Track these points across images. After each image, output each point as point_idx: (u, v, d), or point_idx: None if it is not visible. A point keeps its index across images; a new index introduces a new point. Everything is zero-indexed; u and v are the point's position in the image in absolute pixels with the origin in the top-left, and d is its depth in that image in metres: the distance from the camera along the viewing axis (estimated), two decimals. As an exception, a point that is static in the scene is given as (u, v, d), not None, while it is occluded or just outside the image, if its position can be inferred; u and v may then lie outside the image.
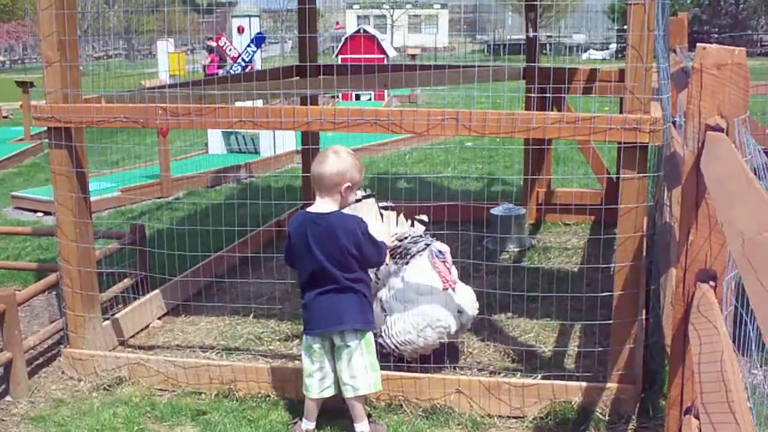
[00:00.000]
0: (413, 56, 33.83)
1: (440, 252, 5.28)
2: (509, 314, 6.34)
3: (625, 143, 4.51)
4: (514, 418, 4.99)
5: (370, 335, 4.66)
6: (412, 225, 6.11)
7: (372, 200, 6.15)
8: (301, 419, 4.82)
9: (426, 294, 5.22)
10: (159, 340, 6.22)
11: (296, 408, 5.06)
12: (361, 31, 22.17)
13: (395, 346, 5.30)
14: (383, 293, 5.51)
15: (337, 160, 4.40)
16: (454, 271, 5.34)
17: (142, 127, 5.34)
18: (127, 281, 6.68)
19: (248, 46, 12.84)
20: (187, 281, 6.77)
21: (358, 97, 22.52)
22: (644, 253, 5.05)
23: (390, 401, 5.09)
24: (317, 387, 4.69)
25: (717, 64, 3.37)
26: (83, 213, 5.52)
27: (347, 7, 66.88)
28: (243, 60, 12.59)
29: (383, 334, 5.35)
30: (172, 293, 6.66)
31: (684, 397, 3.76)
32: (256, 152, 14.30)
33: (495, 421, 4.97)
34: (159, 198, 11.18)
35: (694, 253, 3.51)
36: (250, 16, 13.86)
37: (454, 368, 5.52)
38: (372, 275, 5.37)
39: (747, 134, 3.09)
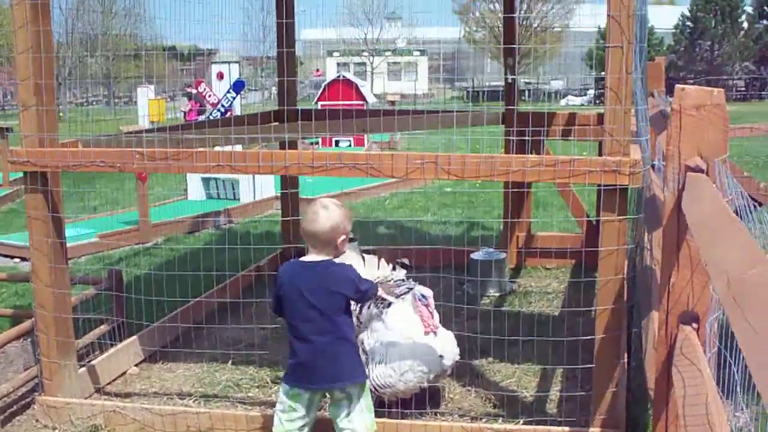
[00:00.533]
0: (393, 102, 33.94)
1: (423, 296, 5.24)
2: (490, 359, 6.28)
3: (604, 186, 4.50)
4: (496, 464, 4.93)
5: (367, 381, 4.58)
6: (394, 269, 6.09)
7: (354, 244, 6.14)
8: None
9: (407, 338, 5.17)
10: (136, 387, 6.12)
11: (275, 457, 4.97)
12: (341, 77, 22.24)
13: (375, 388, 5.22)
14: (364, 336, 5.46)
15: (328, 215, 4.30)
16: (436, 316, 5.30)
17: (119, 171, 5.29)
18: (103, 327, 6.59)
19: (228, 92, 12.84)
20: (164, 327, 6.69)
21: (337, 143, 22.56)
22: (625, 297, 5.02)
23: (372, 448, 5.01)
24: None
25: (696, 104, 3.37)
26: (59, 258, 5.45)
27: (327, 55, 67.23)
28: (222, 106, 12.58)
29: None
30: (149, 339, 6.58)
31: (668, 441, 3.71)
32: (236, 198, 14.25)
33: (477, 468, 4.90)
34: (137, 244, 11.09)
35: (676, 295, 3.48)
36: (229, 63, 13.88)
37: (435, 414, 5.46)
38: (354, 318, 5.33)
39: (728, 175, 3.08)
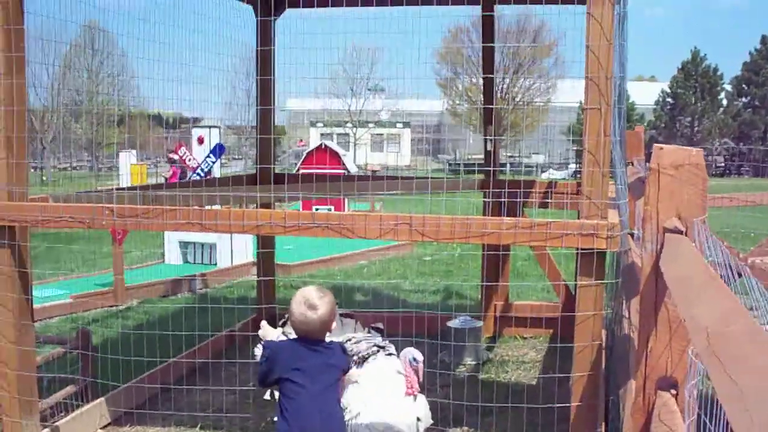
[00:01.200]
0: (374, 172, 34.07)
1: (415, 359, 5.17)
2: (465, 428, 6.13)
3: (581, 249, 4.42)
4: None
5: None
6: (369, 332, 6.00)
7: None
8: None
9: (387, 397, 5.07)
10: (101, 450, 5.94)
11: None
12: (323, 145, 22.25)
13: None
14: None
15: (317, 316, 4.21)
16: (420, 380, 5.23)
17: (88, 228, 5.17)
18: (70, 388, 6.41)
19: (207, 156, 12.78)
20: (133, 390, 6.52)
21: (317, 210, 22.50)
22: (602, 365, 4.91)
23: None
24: None
25: (674, 164, 3.30)
26: (24, 314, 5.32)
27: (311, 125, 67.57)
28: (202, 170, 12.50)
29: None
30: (117, 402, 6.40)
31: None
32: (213, 263, 14.12)
33: None
34: (111, 306, 10.93)
35: (654, 360, 3.38)
36: (210, 127, 13.83)
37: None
38: None
39: (707, 234, 3.00)
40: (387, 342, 5.71)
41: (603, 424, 5.23)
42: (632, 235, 6.11)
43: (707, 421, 2.64)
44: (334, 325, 4.43)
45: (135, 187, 6.11)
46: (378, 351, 5.43)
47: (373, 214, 4.67)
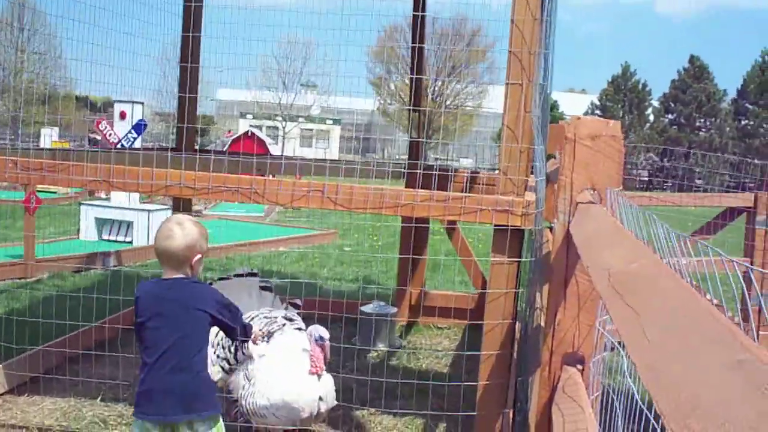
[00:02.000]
0: (301, 166, 33.87)
1: (321, 337, 5.06)
2: (372, 410, 6.03)
3: (496, 226, 4.35)
4: None
5: (220, 420, 4.20)
6: (287, 308, 5.90)
7: (256, 279, 6.09)
8: None
9: (290, 373, 4.99)
10: (-6, 418, 5.71)
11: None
12: (250, 133, 22.02)
13: (248, 413, 5.09)
14: (249, 362, 5.27)
15: (183, 233, 4.00)
16: (326, 359, 5.12)
17: (-8, 181, 4.95)
18: (-36, 355, 6.17)
19: (129, 132, 12.52)
20: (35, 358, 6.29)
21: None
22: (513, 345, 4.84)
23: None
24: None
25: (591, 134, 3.25)
26: None
27: (240, 116, 66.99)
28: (122, 146, 12.24)
29: (240, 397, 5.16)
30: (16, 370, 6.16)
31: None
32: (130, 242, 13.84)
33: None
34: (21, 278, 10.61)
35: (562, 334, 3.32)
36: (133, 102, 13.54)
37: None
38: (228, 356, 5.15)
39: (621, 202, 2.94)
40: (296, 315, 5.61)
41: (511, 406, 5.17)
42: (550, 228, 6.06)
43: (613, 395, 2.58)
44: (201, 267, 4.16)
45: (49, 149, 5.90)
46: (285, 324, 5.32)
47: (285, 180, 4.53)
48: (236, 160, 6.97)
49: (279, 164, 7.47)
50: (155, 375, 4.02)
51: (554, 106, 48.78)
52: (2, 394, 6.10)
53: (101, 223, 14.20)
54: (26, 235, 11.01)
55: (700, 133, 71.04)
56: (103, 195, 15.91)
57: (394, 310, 8.30)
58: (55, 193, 21.49)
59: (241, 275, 6.17)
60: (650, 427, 1.91)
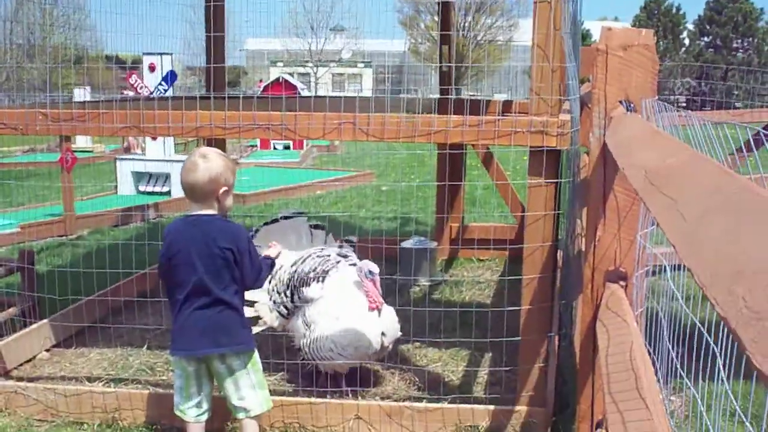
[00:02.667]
0: (334, 110, 33.76)
1: (370, 272, 5.07)
2: (417, 344, 6.03)
3: (531, 148, 4.28)
4: (418, 445, 4.68)
5: (254, 353, 4.24)
6: (341, 246, 5.87)
7: (303, 219, 6.07)
8: None
9: (351, 312, 5.03)
10: (44, 371, 5.78)
11: (185, 438, 4.69)
12: (280, 79, 21.95)
13: (313, 358, 5.13)
14: (306, 306, 5.30)
15: (207, 165, 3.97)
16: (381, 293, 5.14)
17: (22, 134, 4.93)
18: (12, 310, 6.22)
19: (159, 83, 12.50)
20: (80, 312, 6.32)
21: (275, 147, 22.27)
22: (554, 269, 4.79)
23: (285, 428, 4.74)
24: (194, 410, 4.26)
25: (623, 45, 3.16)
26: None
27: (271, 65, 66.79)
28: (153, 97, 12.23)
29: (303, 344, 5.18)
30: (63, 324, 6.21)
31: (594, 410, 3.49)
32: (168, 193, 13.89)
33: (397, 449, 4.65)
34: (61, 236, 10.69)
35: (603, 251, 3.27)
36: (162, 54, 13.47)
37: (355, 394, 5.19)
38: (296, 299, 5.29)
39: (657, 110, 2.86)
40: (350, 252, 5.60)
41: (556, 331, 5.14)
42: (587, 153, 5.97)
43: (659, 310, 2.54)
44: (230, 200, 4.12)
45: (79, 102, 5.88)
46: (339, 262, 5.31)
47: (316, 114, 4.48)
48: (266, 103, 6.92)
49: (309, 104, 7.41)
50: (185, 311, 4.06)
51: (587, 35, 48.13)
52: (50, 348, 6.16)
53: (138, 176, 14.25)
54: (64, 193, 11.06)
55: (738, 54, 69.89)
56: (138, 151, 15.93)
57: (435, 244, 8.27)
58: (91, 152, 21.62)
59: (288, 216, 6.12)
60: (703, 342, 1.86)
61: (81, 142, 22.40)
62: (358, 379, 5.18)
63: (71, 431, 4.88)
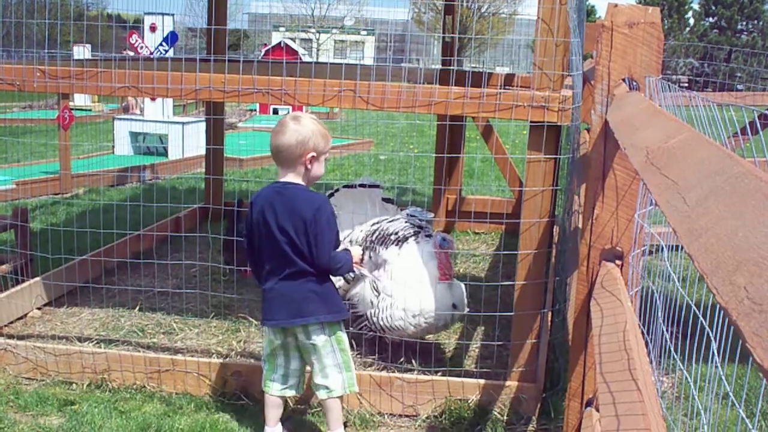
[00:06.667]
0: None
1: (444, 240, 4.98)
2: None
3: (532, 122, 4.24)
4: (406, 416, 4.68)
5: (342, 334, 4.13)
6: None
7: (379, 191, 6.03)
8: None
9: (423, 282, 4.95)
10: (35, 329, 5.77)
11: (173, 401, 4.70)
12: (282, 44, 21.83)
13: (382, 328, 5.05)
14: (376, 273, 5.22)
15: (296, 127, 3.86)
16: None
17: (19, 90, 4.89)
18: (4, 267, 6.20)
19: (160, 44, 12.42)
20: (73, 271, 6.30)
21: (276, 111, 22.17)
22: (550, 247, 4.78)
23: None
24: (278, 384, 4.22)
25: (629, 22, 3.12)
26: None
27: (273, 29, 66.45)
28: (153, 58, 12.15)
29: (370, 314, 5.10)
30: (56, 283, 6.19)
31: (585, 388, 3.48)
32: (165, 154, 13.84)
33: (386, 419, 4.65)
34: (57, 194, 10.66)
35: (600, 228, 3.24)
36: (163, 15, 13.39)
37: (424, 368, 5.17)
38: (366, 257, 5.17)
39: (661, 88, 2.83)
40: (427, 224, 5.54)
41: (549, 307, 5.13)
42: (587, 130, 5.93)
43: (654, 290, 2.51)
44: (320, 168, 4.02)
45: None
46: (418, 232, 5.26)
47: (317, 80, 4.44)
48: (266, 67, 6.87)
49: (310, 69, 7.36)
50: (271, 281, 4.03)
51: (592, 11, 47.87)
52: (42, 307, 6.15)
53: (135, 136, 14.19)
54: (61, 151, 11.02)
55: (742, 36, 69.60)
56: (137, 112, 15.87)
57: (431, 215, 8.23)
58: (89, 110, 21.53)
59: (365, 185, 6.05)
60: (698, 324, 1.85)
61: (80, 100, 22.32)
62: (417, 351, 5.14)
63: (60, 390, 4.87)
